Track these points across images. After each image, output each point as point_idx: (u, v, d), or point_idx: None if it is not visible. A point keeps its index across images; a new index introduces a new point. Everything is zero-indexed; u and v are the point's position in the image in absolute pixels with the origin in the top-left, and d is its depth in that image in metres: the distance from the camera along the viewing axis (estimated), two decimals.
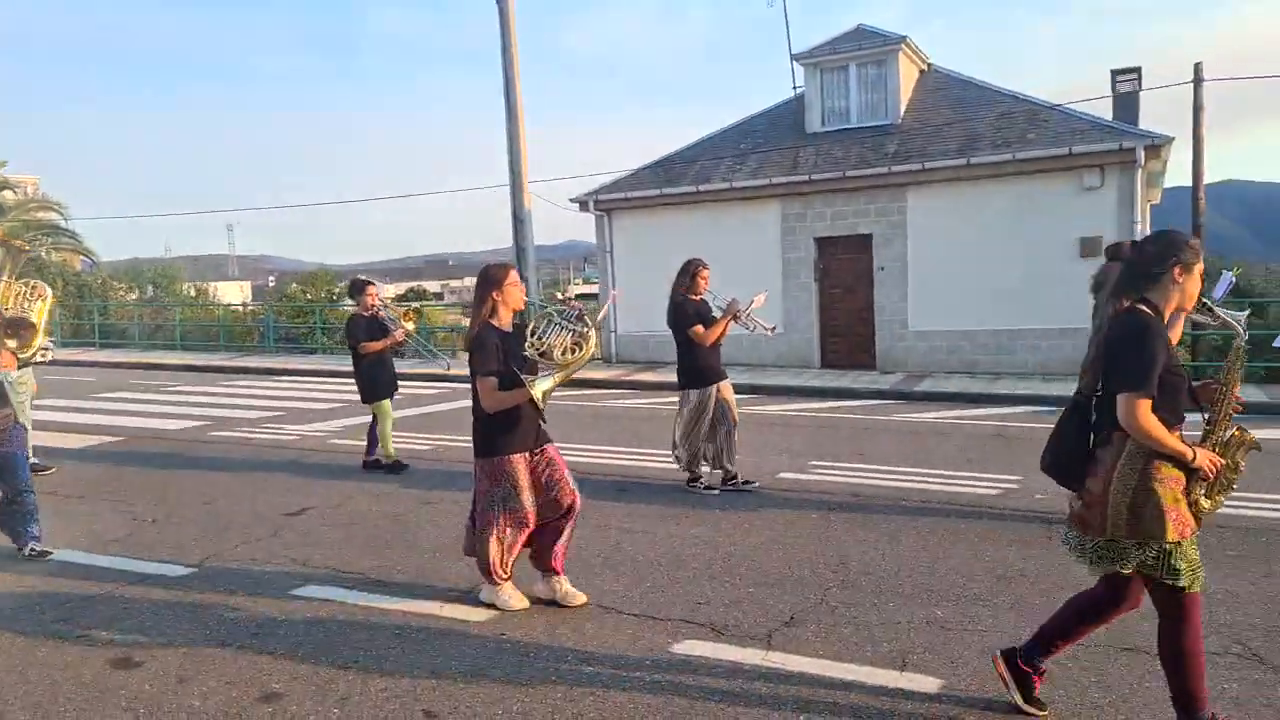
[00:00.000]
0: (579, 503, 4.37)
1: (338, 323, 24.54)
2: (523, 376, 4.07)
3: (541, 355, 4.19)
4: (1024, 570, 4.96)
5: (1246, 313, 5.86)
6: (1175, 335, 5.12)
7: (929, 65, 16.88)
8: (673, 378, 7.40)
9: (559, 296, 4.36)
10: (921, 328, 14.43)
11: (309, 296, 26.09)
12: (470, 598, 4.52)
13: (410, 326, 7.93)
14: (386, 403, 7.66)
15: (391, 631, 4.18)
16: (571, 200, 16.75)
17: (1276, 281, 20.72)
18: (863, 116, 15.65)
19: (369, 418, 7.83)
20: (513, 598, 4.34)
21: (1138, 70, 18.02)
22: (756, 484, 6.85)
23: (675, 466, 7.04)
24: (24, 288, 7.53)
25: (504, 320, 4.27)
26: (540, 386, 4.04)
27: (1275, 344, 5.94)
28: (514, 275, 4.32)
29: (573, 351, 4.20)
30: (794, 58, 16.20)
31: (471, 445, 4.34)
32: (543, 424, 4.33)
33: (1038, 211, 13.49)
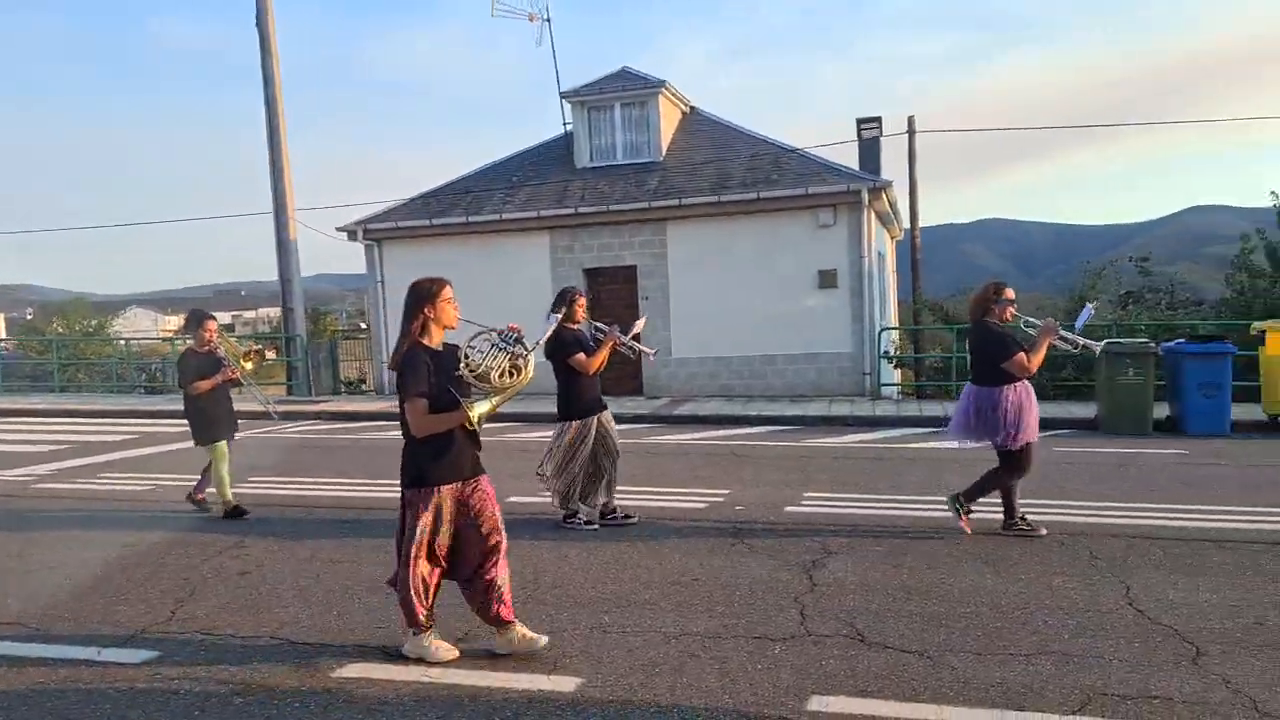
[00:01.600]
0: (505, 542, 4.12)
1: (94, 359, 22.74)
2: (470, 398, 3.83)
3: (477, 378, 3.91)
4: (697, 576, 5.42)
5: (1103, 343, 6.40)
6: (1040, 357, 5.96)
7: (691, 108, 17.94)
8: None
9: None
10: (683, 355, 15.21)
11: (59, 330, 24.01)
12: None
13: (249, 367, 7.38)
14: (223, 445, 7.17)
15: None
16: (339, 229, 16.44)
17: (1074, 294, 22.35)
18: (628, 154, 16.40)
19: (90, 459, 7.40)
20: (440, 648, 4.07)
21: (878, 120, 19.94)
22: (636, 519, 6.68)
23: None
24: None
25: (435, 339, 4.01)
26: (478, 408, 3.79)
27: (1102, 349, 6.60)
28: (448, 291, 4.04)
29: (510, 375, 3.96)
30: (562, 96, 16.75)
31: (401, 474, 4.06)
32: (477, 450, 4.09)
33: (782, 246, 14.62)
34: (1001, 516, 6.26)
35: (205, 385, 7.07)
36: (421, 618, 4.03)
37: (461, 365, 3.93)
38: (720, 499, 7.50)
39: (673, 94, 16.78)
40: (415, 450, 3.96)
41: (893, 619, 4.61)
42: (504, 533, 4.11)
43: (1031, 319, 6.44)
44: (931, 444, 10.27)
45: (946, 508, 6.31)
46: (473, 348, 3.98)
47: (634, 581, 5.33)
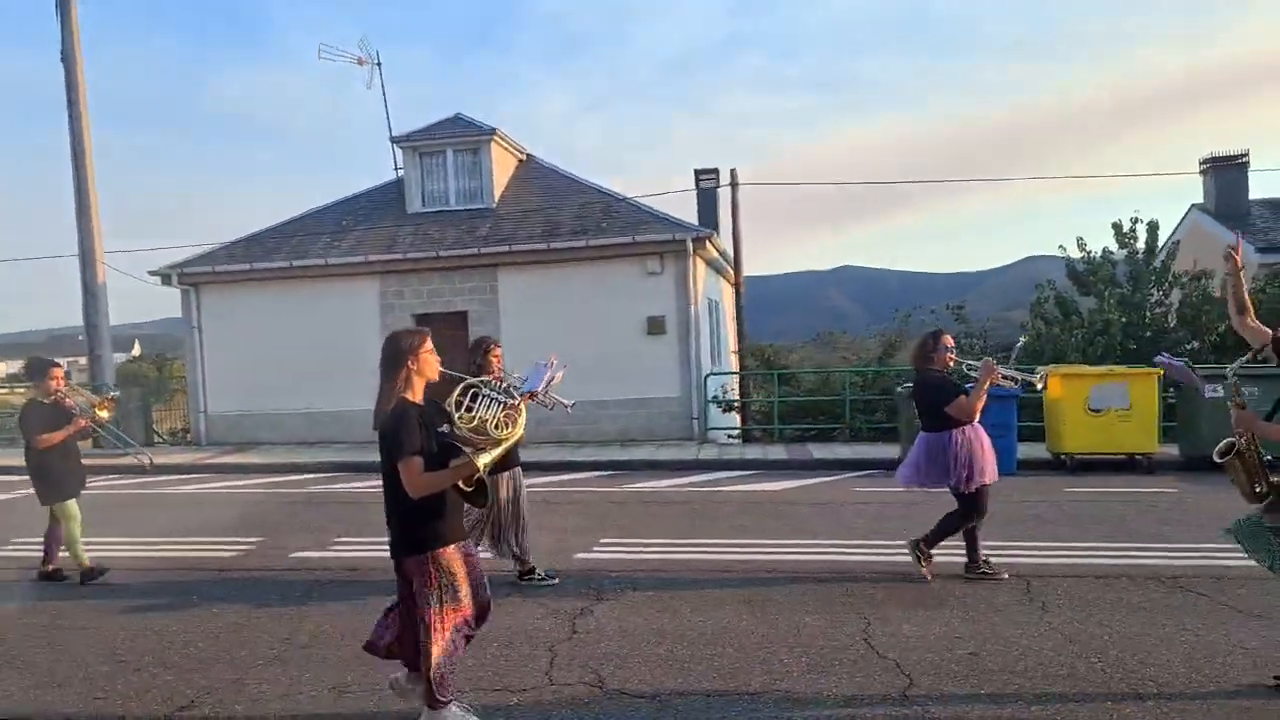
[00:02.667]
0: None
1: None
2: (466, 452, 3.59)
3: (474, 431, 3.72)
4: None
5: (1039, 375, 6.52)
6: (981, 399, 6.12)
7: (527, 155, 18.12)
8: (275, 459, 6.96)
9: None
10: None
11: None
12: None
13: (105, 415, 6.90)
14: (72, 504, 6.58)
15: None
16: (151, 273, 15.65)
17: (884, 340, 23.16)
18: (460, 199, 16.38)
19: None
20: (468, 713, 3.85)
21: (715, 171, 20.69)
22: (556, 580, 6.34)
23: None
24: None
25: (418, 393, 3.78)
26: (483, 459, 3.55)
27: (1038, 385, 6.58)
28: (429, 342, 3.84)
29: (505, 427, 3.77)
30: (393, 140, 16.61)
31: (391, 544, 3.79)
32: (478, 506, 3.89)
33: (611, 293, 14.86)
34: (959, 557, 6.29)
35: (55, 438, 6.47)
36: (452, 689, 3.76)
37: (457, 419, 3.76)
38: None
39: (506, 141, 16.91)
40: (413, 513, 3.66)
41: (637, 664, 4.68)
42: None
43: (972, 362, 6.67)
44: (743, 487, 10.57)
45: (907, 553, 6.29)
46: (462, 401, 3.81)
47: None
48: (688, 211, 19.34)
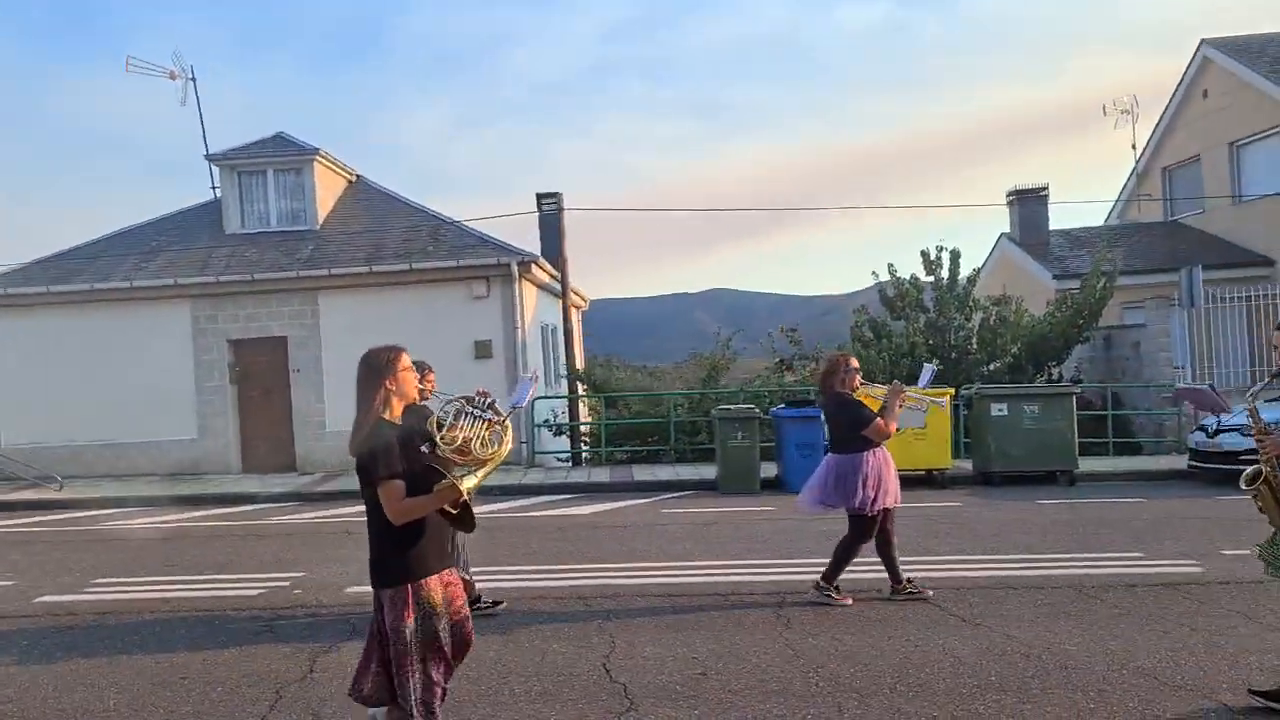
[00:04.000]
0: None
1: None
2: (451, 474, 3.32)
3: (457, 451, 3.44)
4: (188, 673, 5.12)
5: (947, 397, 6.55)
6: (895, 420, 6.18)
7: (356, 176, 17.74)
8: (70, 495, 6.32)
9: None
10: (339, 427, 14.68)
11: None
12: None
13: None
14: None
15: None
16: None
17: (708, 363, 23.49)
18: (283, 221, 15.87)
19: None
20: None
21: (558, 195, 20.76)
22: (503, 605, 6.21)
23: None
24: None
25: (396, 413, 3.52)
26: (467, 482, 3.31)
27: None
28: (406, 359, 3.60)
29: (491, 445, 3.52)
30: (209, 158, 15.95)
31: (370, 573, 3.51)
32: (462, 533, 3.64)
33: (438, 316, 14.67)
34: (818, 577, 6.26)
35: None
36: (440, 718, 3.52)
37: (439, 439, 3.46)
38: (286, 582, 7.22)
39: (331, 162, 16.51)
40: (391, 540, 3.42)
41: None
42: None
43: (876, 384, 6.71)
44: (556, 511, 10.59)
45: (815, 595, 6.16)
46: (444, 418, 3.54)
47: (101, 688, 4.93)
48: (533, 237, 19.32)
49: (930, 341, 15.75)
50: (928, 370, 7.26)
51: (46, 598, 6.94)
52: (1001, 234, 22.72)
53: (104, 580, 7.45)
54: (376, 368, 3.55)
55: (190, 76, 17.30)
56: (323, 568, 7.74)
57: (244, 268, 14.64)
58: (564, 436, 15.90)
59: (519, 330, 14.69)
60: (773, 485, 12.26)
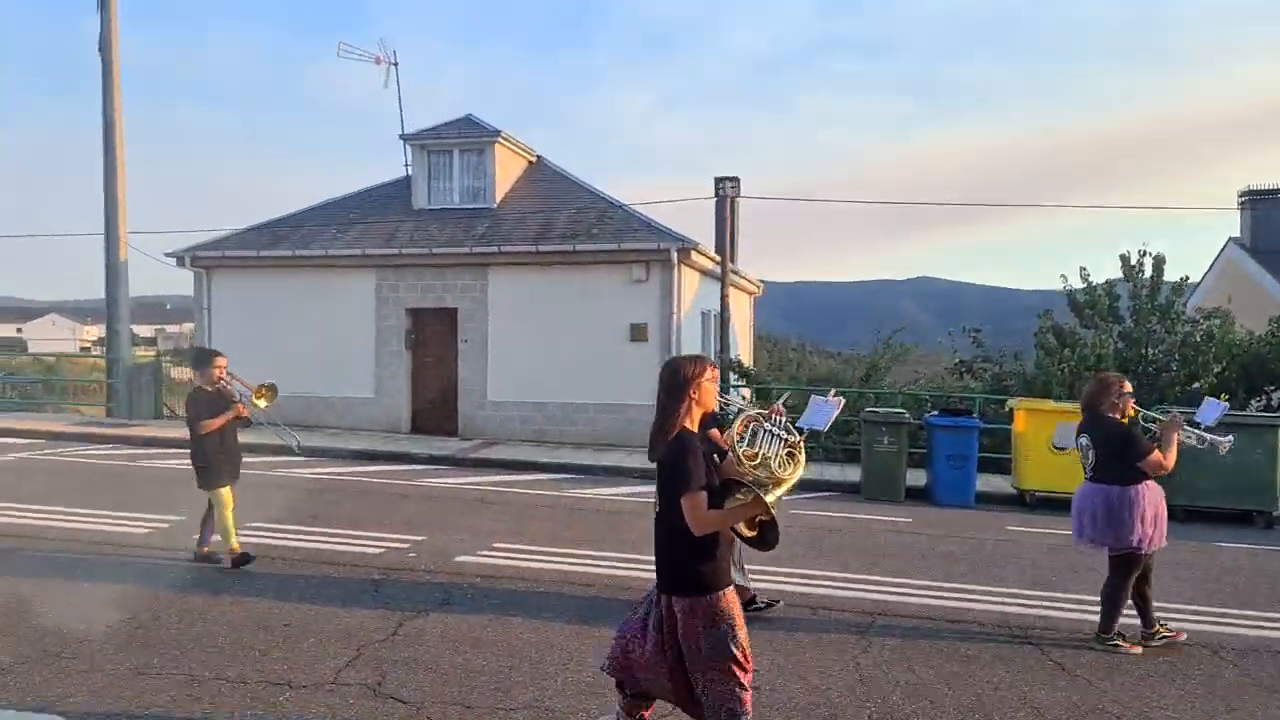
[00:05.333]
0: None
1: None
2: (746, 486, 3.41)
3: (757, 467, 3.57)
4: (292, 620, 5.62)
5: (1228, 438, 6.08)
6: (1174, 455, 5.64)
7: (537, 158, 18.41)
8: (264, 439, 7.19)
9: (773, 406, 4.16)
10: (499, 398, 15.45)
11: None
12: None
13: (263, 404, 7.03)
14: (227, 490, 6.83)
15: None
16: (168, 255, 16.37)
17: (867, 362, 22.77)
18: (464, 198, 16.75)
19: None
20: None
21: (735, 180, 20.68)
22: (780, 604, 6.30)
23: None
24: None
25: (695, 423, 3.59)
26: (769, 497, 3.36)
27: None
28: (712, 370, 3.65)
29: (787, 464, 3.62)
30: (403, 138, 17.04)
31: (663, 582, 3.52)
32: (766, 549, 3.59)
33: (597, 298, 15.04)
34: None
35: (215, 423, 6.78)
36: None
37: (741, 454, 3.59)
38: (404, 545, 7.71)
39: (512, 143, 17.21)
40: (689, 549, 3.40)
41: (425, 671, 4.88)
42: None
43: (1152, 414, 6.37)
44: None
45: (1099, 647, 5.70)
46: (743, 435, 3.65)
47: (215, 624, 5.50)
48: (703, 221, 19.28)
49: (1125, 354, 14.48)
50: (1213, 406, 6.33)
51: (194, 538, 7.77)
52: (1230, 239, 20.46)
53: (252, 525, 8.21)
54: (684, 378, 3.55)
55: (393, 61, 18.54)
56: (444, 535, 8.19)
57: (424, 242, 15.61)
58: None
59: (674, 315, 14.80)
60: (919, 495, 11.76)
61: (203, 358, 7.10)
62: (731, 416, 3.88)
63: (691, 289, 16.04)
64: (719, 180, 20.74)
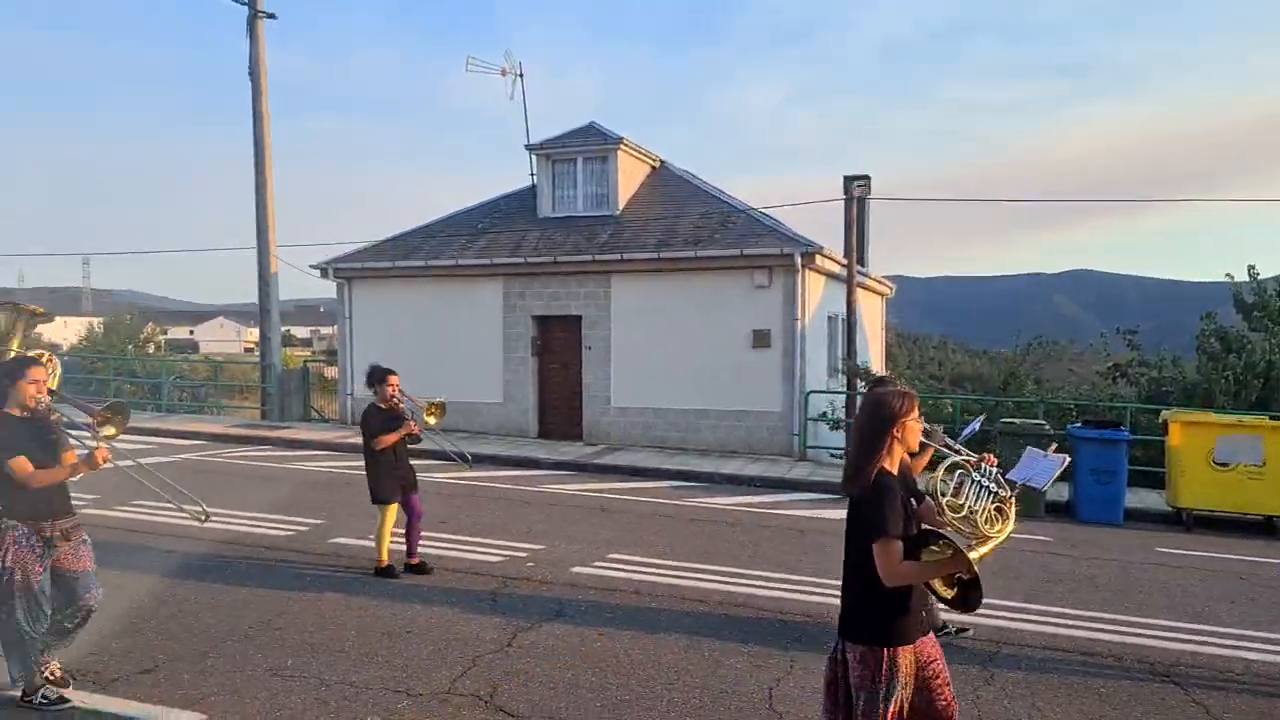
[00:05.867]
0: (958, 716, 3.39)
1: (141, 376, 23.72)
2: (949, 539, 3.15)
3: (960, 520, 3.34)
4: (412, 629, 5.85)
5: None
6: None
7: (660, 162, 18.50)
8: None
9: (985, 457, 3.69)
10: (622, 404, 15.62)
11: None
12: None
13: (433, 421, 7.28)
14: (393, 507, 7.11)
15: None
16: (312, 266, 17.35)
17: (1005, 365, 21.79)
18: (588, 206, 17.01)
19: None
20: None
21: (868, 178, 20.20)
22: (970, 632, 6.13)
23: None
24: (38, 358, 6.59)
25: (895, 464, 3.34)
26: (974, 554, 3.10)
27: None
28: (916, 409, 3.38)
29: (995, 521, 3.39)
30: (527, 148, 17.46)
31: (842, 620, 3.34)
32: (967, 611, 3.36)
33: (719, 304, 14.98)
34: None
35: (389, 439, 7.03)
36: None
37: (944, 505, 3.37)
38: (524, 553, 7.90)
39: (635, 149, 17.35)
40: (872, 597, 3.21)
41: (537, 685, 4.98)
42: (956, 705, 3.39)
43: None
44: (801, 512, 10.49)
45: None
46: (946, 482, 3.42)
47: (345, 628, 5.79)
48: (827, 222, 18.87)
49: None
50: (970, 426, 5.81)
51: (339, 539, 8.21)
52: None
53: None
54: (890, 415, 3.32)
55: (518, 72, 19.04)
56: (562, 544, 8.34)
57: (549, 250, 15.95)
58: (840, 431, 15.57)
59: (798, 321, 14.57)
60: (1061, 511, 11.17)
61: (376, 376, 7.23)
62: (940, 459, 3.54)
63: (817, 293, 15.75)
64: (848, 180, 20.26)
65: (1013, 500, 3.44)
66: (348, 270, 17.16)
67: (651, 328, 15.39)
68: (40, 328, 6.82)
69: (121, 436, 4.62)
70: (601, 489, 11.61)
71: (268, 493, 10.40)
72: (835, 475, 12.97)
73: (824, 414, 15.36)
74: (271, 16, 17.30)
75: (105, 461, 4.53)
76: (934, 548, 3.18)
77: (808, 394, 14.68)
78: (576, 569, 7.43)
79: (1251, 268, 15.01)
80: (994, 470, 3.54)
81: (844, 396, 15.93)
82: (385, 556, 7.07)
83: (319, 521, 8.81)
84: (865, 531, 3.19)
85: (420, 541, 7.37)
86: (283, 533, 8.44)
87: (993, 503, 3.40)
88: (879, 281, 22.01)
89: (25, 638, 4.48)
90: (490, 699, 4.76)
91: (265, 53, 17.29)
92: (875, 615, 3.23)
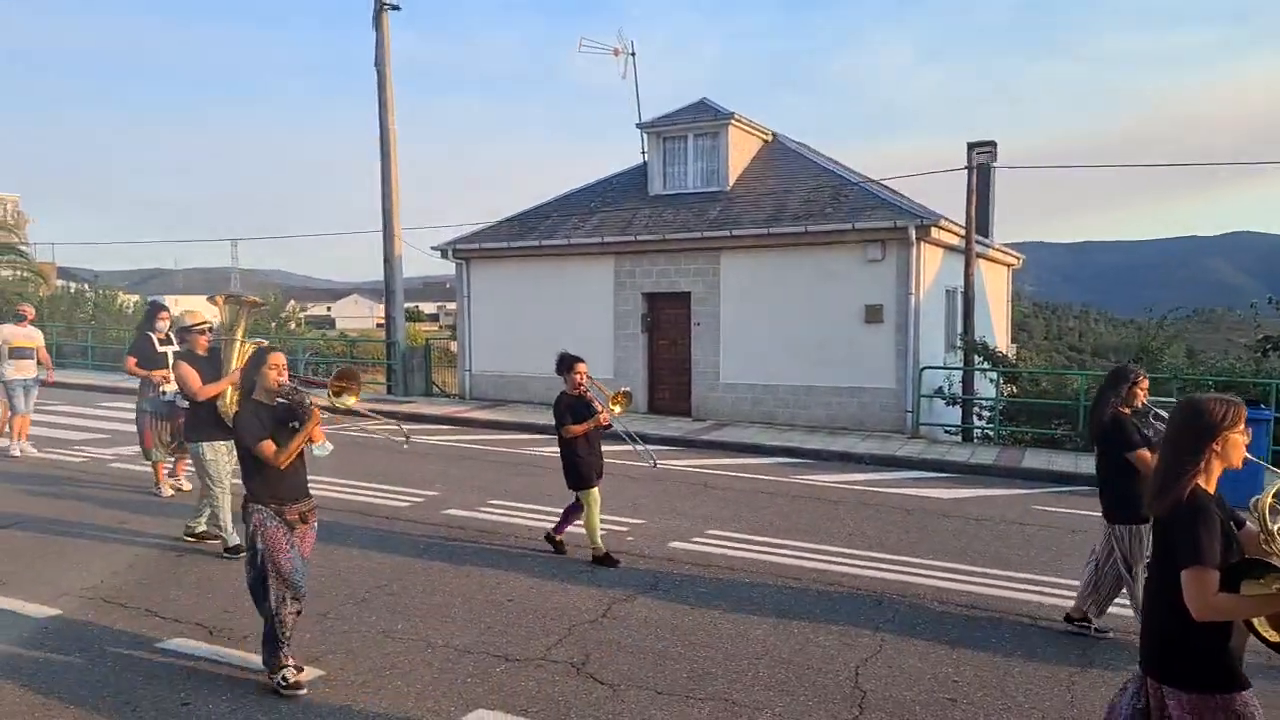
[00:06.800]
0: None
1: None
2: (1276, 570, 2.71)
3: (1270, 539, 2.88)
4: (512, 596, 6.16)
5: None
6: None
7: (773, 135, 18.30)
8: (517, 417, 7.75)
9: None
10: (731, 380, 15.68)
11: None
12: None
13: (618, 410, 7.21)
14: (595, 491, 7.08)
15: None
16: (433, 248, 18.07)
17: (1140, 337, 20.84)
18: (698, 183, 17.03)
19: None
20: None
21: (993, 144, 19.45)
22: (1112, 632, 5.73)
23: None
24: (256, 348, 6.62)
25: (1212, 483, 2.94)
26: None
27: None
28: (1243, 418, 2.97)
29: None
30: (639, 127, 17.59)
31: (1150, 658, 2.98)
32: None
33: (830, 279, 14.79)
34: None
35: (577, 429, 6.98)
36: None
37: (1271, 527, 2.88)
38: (625, 528, 8.12)
39: (746, 124, 17.23)
40: (1195, 632, 2.82)
41: (628, 655, 5.19)
42: None
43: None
44: (908, 490, 10.34)
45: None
46: (1274, 505, 2.93)
47: (452, 595, 6.15)
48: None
49: None
50: None
51: (452, 510, 8.65)
52: None
53: (496, 502, 9.03)
54: (1210, 424, 2.92)
55: (631, 52, 19.16)
56: (663, 519, 8.54)
57: (659, 228, 16.09)
58: (957, 407, 15.17)
59: (912, 296, 14.24)
60: None
61: (564, 364, 7.11)
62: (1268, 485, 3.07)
63: (934, 266, 15.33)
64: (971, 146, 19.52)
65: None
66: (465, 250, 17.79)
67: (761, 304, 15.35)
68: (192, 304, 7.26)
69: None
70: (707, 465, 11.74)
71: (388, 464, 11.01)
72: (948, 453, 12.69)
73: (939, 390, 15.00)
74: (395, 8, 18.00)
75: (318, 423, 4.78)
76: (1261, 580, 2.69)
77: (922, 370, 14.36)
78: (674, 544, 7.61)
79: None
80: None
81: (959, 373, 15.53)
82: (599, 543, 6.99)
83: (434, 493, 9.30)
84: (1174, 558, 2.82)
85: (525, 515, 7.67)
86: (400, 503, 8.95)
87: None
88: (1004, 251, 21.18)
89: (276, 621, 4.61)
90: (582, 666, 5.00)
91: (390, 43, 18.00)
92: (1198, 653, 2.85)
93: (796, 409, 15.20)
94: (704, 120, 16.88)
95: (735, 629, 5.63)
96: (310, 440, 4.83)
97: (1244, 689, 2.83)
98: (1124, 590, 5.56)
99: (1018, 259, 23.15)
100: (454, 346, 26.79)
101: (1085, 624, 5.72)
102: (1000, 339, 21.19)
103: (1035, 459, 12.45)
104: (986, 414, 15.30)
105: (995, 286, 21.28)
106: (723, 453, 12.98)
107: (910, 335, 14.32)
